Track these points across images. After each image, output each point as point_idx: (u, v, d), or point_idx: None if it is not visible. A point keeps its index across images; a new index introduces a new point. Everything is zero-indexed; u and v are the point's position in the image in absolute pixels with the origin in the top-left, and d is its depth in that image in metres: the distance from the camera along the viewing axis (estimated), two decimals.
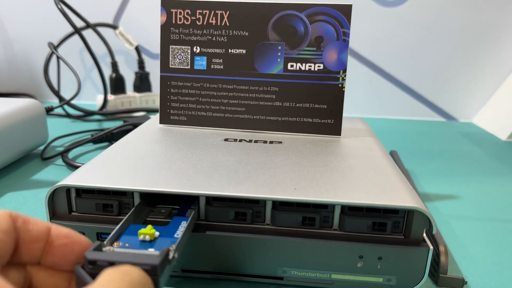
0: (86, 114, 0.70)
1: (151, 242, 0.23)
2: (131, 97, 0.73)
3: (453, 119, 0.80)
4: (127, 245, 0.23)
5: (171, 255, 0.21)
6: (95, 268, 0.20)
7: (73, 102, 0.78)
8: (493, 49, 0.74)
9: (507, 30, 0.72)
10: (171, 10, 0.39)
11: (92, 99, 0.84)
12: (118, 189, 0.27)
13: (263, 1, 0.38)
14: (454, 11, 0.73)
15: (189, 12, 0.38)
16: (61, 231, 0.21)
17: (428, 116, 0.80)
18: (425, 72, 0.77)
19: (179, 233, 0.24)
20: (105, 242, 0.22)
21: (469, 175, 0.50)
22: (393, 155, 0.48)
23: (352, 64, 0.77)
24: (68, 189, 0.28)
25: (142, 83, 0.75)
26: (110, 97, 0.72)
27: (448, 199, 0.43)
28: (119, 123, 0.66)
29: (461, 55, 0.75)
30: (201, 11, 0.38)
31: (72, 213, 0.29)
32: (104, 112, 0.69)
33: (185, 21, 0.39)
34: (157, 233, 0.23)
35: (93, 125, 0.68)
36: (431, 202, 0.42)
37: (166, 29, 0.39)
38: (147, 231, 0.23)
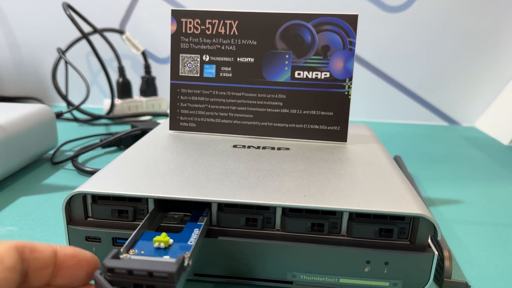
0: (93, 118, 0.71)
1: (165, 249, 0.24)
2: (137, 102, 0.75)
3: (456, 123, 0.80)
4: (142, 252, 0.23)
5: (186, 262, 0.22)
6: (113, 276, 0.21)
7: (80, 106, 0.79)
8: (496, 54, 0.75)
9: (509, 35, 0.73)
10: (181, 19, 0.40)
11: (99, 103, 0.85)
12: (133, 196, 0.28)
13: (271, 11, 0.39)
14: (456, 17, 0.74)
15: (199, 22, 0.39)
16: (67, 252, 0.22)
17: (430, 120, 0.81)
18: (427, 77, 0.78)
19: (192, 240, 0.25)
20: (121, 250, 0.23)
21: (472, 180, 0.51)
22: (397, 160, 0.49)
23: (355, 69, 0.78)
24: (84, 195, 0.29)
25: (149, 88, 0.76)
26: (117, 101, 0.73)
27: (452, 204, 0.44)
28: (126, 127, 0.67)
29: (463, 59, 0.76)
30: (210, 21, 0.39)
31: (88, 219, 0.30)
32: (111, 116, 0.70)
33: (195, 30, 0.40)
34: (171, 241, 0.24)
35: (101, 129, 0.69)
36: (435, 207, 0.43)
37: (176, 38, 0.40)
38: (162, 239, 0.24)
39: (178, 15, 0.40)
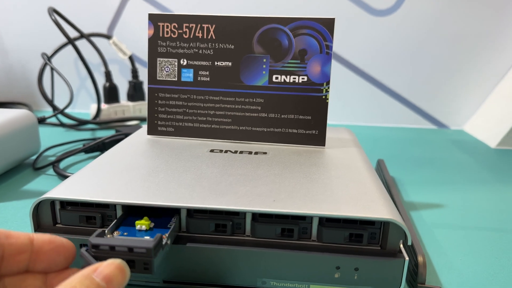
0: (79, 123, 0.70)
1: (146, 231, 0.26)
2: (124, 106, 0.74)
3: (445, 126, 0.80)
4: (125, 234, 0.25)
5: (164, 241, 0.24)
6: (98, 252, 0.23)
7: (67, 111, 0.79)
8: (484, 57, 0.75)
9: (497, 39, 0.73)
10: (158, 23, 0.39)
11: (87, 108, 0.85)
12: (100, 202, 0.27)
13: (248, 15, 0.38)
14: (444, 20, 0.74)
15: (176, 26, 0.39)
16: (44, 238, 0.23)
17: (419, 124, 0.80)
18: (416, 80, 0.78)
19: (172, 224, 0.27)
20: (106, 231, 0.25)
21: (456, 183, 0.51)
22: (380, 164, 0.49)
23: (342, 72, 0.78)
24: (52, 202, 0.29)
25: (136, 92, 0.76)
26: (104, 106, 0.72)
27: (434, 208, 0.44)
28: (112, 132, 0.67)
29: (452, 63, 0.76)
30: (187, 25, 0.39)
31: (57, 225, 0.29)
32: (98, 121, 0.70)
33: (172, 34, 0.39)
34: (152, 224, 0.26)
35: (87, 134, 0.68)
36: (416, 211, 0.43)
37: (153, 42, 0.40)
38: (143, 222, 0.26)
39: (155, 19, 0.40)
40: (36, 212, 0.28)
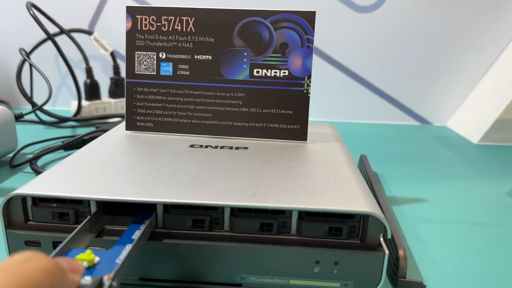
0: (59, 121, 0.69)
1: (89, 269, 0.21)
2: (106, 103, 0.73)
3: (428, 122, 0.81)
4: None
5: (107, 284, 0.20)
6: None
7: (48, 108, 0.78)
8: (466, 54, 0.75)
9: (479, 36, 0.74)
10: (137, 16, 0.39)
11: (68, 105, 0.84)
12: (73, 198, 0.26)
13: (228, 7, 0.38)
14: (427, 17, 0.74)
15: (155, 18, 0.38)
16: None
17: (403, 120, 0.81)
18: (399, 77, 0.78)
19: (121, 258, 0.22)
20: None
21: (438, 179, 0.51)
22: (362, 159, 0.49)
23: (325, 68, 0.78)
24: (24, 198, 0.28)
25: (118, 89, 0.74)
26: (85, 103, 0.71)
27: (416, 203, 0.44)
28: (92, 129, 0.65)
29: (435, 59, 0.76)
30: (166, 17, 0.38)
31: (29, 222, 0.28)
32: (78, 118, 0.68)
33: (150, 27, 0.39)
34: (96, 258, 0.22)
35: (67, 132, 0.67)
36: (398, 206, 0.43)
37: (131, 35, 0.39)
38: (86, 257, 0.22)
39: (133, 11, 0.39)
40: (7, 209, 0.27)
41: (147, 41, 0.39)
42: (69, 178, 0.29)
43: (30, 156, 0.54)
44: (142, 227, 0.26)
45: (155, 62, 0.39)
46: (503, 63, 0.72)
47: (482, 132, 0.67)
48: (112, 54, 0.73)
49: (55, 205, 0.28)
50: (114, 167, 0.31)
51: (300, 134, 0.39)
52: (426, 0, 0.73)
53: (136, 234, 0.25)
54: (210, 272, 0.27)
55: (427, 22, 0.74)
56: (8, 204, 0.27)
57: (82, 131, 0.66)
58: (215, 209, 0.27)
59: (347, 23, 0.75)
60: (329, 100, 0.80)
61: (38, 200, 0.28)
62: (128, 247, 0.23)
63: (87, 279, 0.20)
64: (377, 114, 0.81)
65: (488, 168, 0.56)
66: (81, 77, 0.74)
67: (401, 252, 0.29)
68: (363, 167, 0.46)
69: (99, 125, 0.64)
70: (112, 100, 0.74)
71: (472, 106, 0.75)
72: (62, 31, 0.69)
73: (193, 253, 0.27)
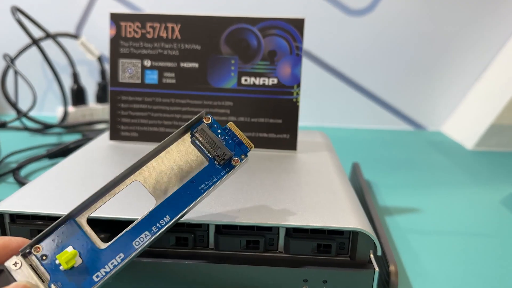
0: (45, 127, 0.67)
1: (66, 271, 0.21)
2: (92, 109, 0.71)
3: (422, 127, 0.80)
4: (44, 258, 0.21)
5: None
6: None
7: (34, 114, 0.76)
8: (460, 58, 0.75)
9: (473, 40, 0.74)
10: (121, 23, 0.37)
11: (55, 111, 0.82)
12: (52, 215, 0.25)
13: (215, 14, 0.37)
14: (420, 21, 0.73)
15: (139, 25, 0.37)
16: None
17: (396, 125, 0.80)
18: (392, 81, 0.78)
19: (99, 275, 0.21)
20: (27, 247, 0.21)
21: (432, 186, 0.50)
22: (355, 167, 0.48)
23: (317, 72, 0.77)
24: (1, 215, 0.27)
25: (105, 94, 0.73)
26: (71, 109, 0.70)
27: (409, 212, 0.43)
28: (78, 137, 0.64)
29: (428, 63, 0.76)
30: (151, 24, 0.37)
31: None
32: (65, 125, 0.67)
33: (135, 34, 0.37)
34: (79, 260, 0.21)
35: (52, 139, 0.65)
36: (391, 216, 0.42)
37: (115, 42, 0.38)
38: (66, 257, 0.21)
39: (117, 18, 0.37)
40: None
41: (131, 49, 0.38)
42: (49, 194, 0.28)
43: (13, 165, 0.53)
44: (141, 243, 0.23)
45: (140, 70, 0.38)
46: (497, 67, 0.72)
47: (477, 137, 0.66)
48: (100, 59, 0.72)
49: (39, 222, 0.27)
50: (95, 182, 0.30)
51: (290, 143, 0.38)
52: (419, 4, 0.72)
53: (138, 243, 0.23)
54: None
55: (421, 26, 0.74)
56: None
57: (68, 138, 0.65)
58: (199, 226, 0.26)
59: (340, 27, 0.74)
60: (321, 104, 0.79)
61: (16, 217, 0.27)
62: (118, 258, 0.22)
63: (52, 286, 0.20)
64: (370, 119, 0.80)
65: (482, 175, 0.55)
66: (68, 82, 0.73)
67: (392, 268, 0.28)
68: (355, 175, 0.46)
69: (85, 131, 0.63)
70: (99, 106, 0.72)
71: (467, 110, 0.74)
72: (48, 35, 0.68)
73: (176, 272, 0.26)
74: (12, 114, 0.83)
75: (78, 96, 0.70)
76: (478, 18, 0.72)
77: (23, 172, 0.50)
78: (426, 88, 0.77)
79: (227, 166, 0.24)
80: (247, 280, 0.25)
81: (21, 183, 0.46)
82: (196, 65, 0.37)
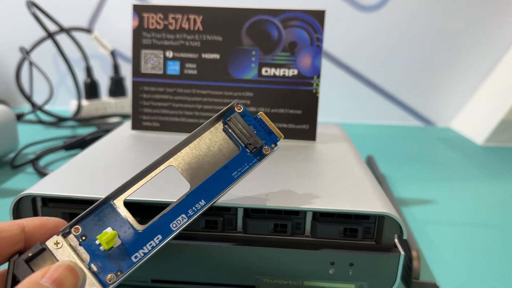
0: (59, 120, 0.68)
1: (105, 251, 0.22)
2: (105, 103, 0.72)
3: (431, 123, 0.81)
4: (83, 238, 0.22)
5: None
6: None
7: (47, 108, 0.77)
8: (470, 54, 0.75)
9: (483, 35, 0.74)
10: (143, 14, 0.38)
11: (66, 104, 0.83)
12: (84, 198, 0.26)
13: (237, 6, 0.37)
14: (431, 16, 0.74)
15: (162, 17, 0.38)
16: (35, 223, 0.22)
17: (406, 120, 0.81)
18: (403, 77, 0.78)
19: (138, 256, 0.22)
20: (67, 227, 0.22)
21: (444, 180, 0.51)
22: (370, 160, 0.48)
23: (329, 68, 0.78)
24: (33, 198, 0.27)
25: (117, 88, 0.74)
26: (84, 102, 0.70)
27: (424, 204, 0.44)
28: (93, 129, 0.65)
29: (439, 59, 0.76)
30: (173, 16, 0.38)
31: None
32: (78, 118, 0.68)
33: (157, 25, 0.38)
34: (118, 242, 0.22)
35: (67, 132, 0.66)
36: (407, 207, 0.42)
37: (138, 33, 0.38)
38: (107, 237, 0.21)
39: (140, 9, 0.38)
40: (17, 209, 0.27)
41: (153, 40, 0.38)
42: (79, 178, 0.28)
43: (31, 156, 0.53)
44: (178, 226, 0.23)
45: (162, 61, 0.39)
46: (507, 63, 0.72)
47: (487, 133, 0.67)
48: (113, 53, 0.73)
49: (70, 205, 0.27)
50: (122, 168, 0.30)
51: (309, 134, 0.39)
52: (430, 0, 0.73)
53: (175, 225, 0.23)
54: (223, 273, 0.27)
55: (431, 22, 0.74)
56: (18, 204, 0.27)
57: (81, 131, 0.66)
58: (228, 210, 0.27)
59: (351, 23, 0.75)
60: (331, 100, 0.79)
61: (48, 201, 0.27)
62: (156, 240, 0.22)
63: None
64: (380, 115, 0.80)
65: (493, 169, 0.56)
66: (80, 76, 0.73)
67: (414, 253, 0.29)
68: (371, 168, 0.46)
69: (99, 125, 0.64)
70: (112, 100, 0.73)
71: (476, 106, 0.75)
72: (62, 29, 0.68)
73: (205, 254, 0.26)
74: (25, 107, 0.84)
75: (92, 90, 0.71)
76: (488, 14, 0.73)
77: (41, 162, 0.51)
78: (436, 84, 0.78)
79: (258, 154, 0.24)
80: (274, 263, 0.26)
81: (40, 172, 0.47)
82: (217, 56, 0.38)
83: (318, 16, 0.37)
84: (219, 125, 0.25)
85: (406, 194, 0.46)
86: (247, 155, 0.24)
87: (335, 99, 0.80)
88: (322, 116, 0.80)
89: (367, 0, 0.74)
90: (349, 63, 0.78)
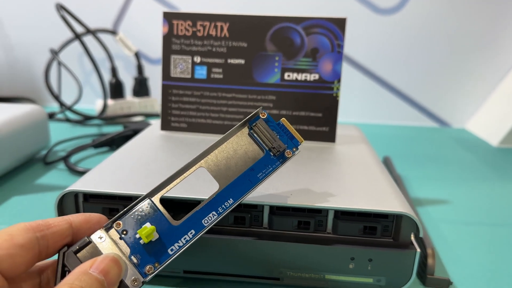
0: (85, 119, 0.71)
1: (145, 245, 0.24)
2: (130, 102, 0.75)
3: (446, 124, 0.81)
4: (124, 232, 0.24)
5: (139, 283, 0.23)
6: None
7: (72, 107, 0.80)
8: (486, 56, 0.76)
9: (499, 38, 0.75)
10: (173, 21, 0.40)
11: (91, 103, 0.86)
12: (123, 194, 0.28)
13: (261, 13, 0.39)
14: (448, 19, 0.75)
15: (190, 24, 0.40)
16: (80, 219, 0.24)
17: (421, 121, 0.82)
18: (419, 79, 0.79)
19: (174, 249, 0.24)
20: (109, 222, 0.24)
21: (460, 181, 0.52)
22: (386, 161, 0.50)
23: (347, 70, 0.79)
24: (76, 194, 0.30)
25: (141, 88, 0.76)
26: (110, 102, 0.73)
27: (439, 204, 0.45)
28: (118, 128, 0.67)
29: (455, 61, 0.77)
30: (201, 23, 0.40)
31: None
32: (104, 117, 0.71)
33: (186, 32, 0.40)
34: (156, 235, 0.24)
35: (93, 130, 0.69)
36: (423, 207, 0.44)
37: (168, 39, 0.41)
38: (146, 232, 0.23)
39: (169, 17, 0.40)
40: (61, 204, 0.29)
41: (182, 46, 0.40)
42: (117, 176, 0.31)
43: (61, 153, 0.56)
44: (209, 222, 0.25)
45: (190, 65, 0.41)
46: None
47: (502, 135, 0.67)
48: (136, 54, 0.75)
49: (110, 200, 0.30)
50: (157, 166, 0.33)
51: (329, 136, 0.40)
52: (446, 2, 0.74)
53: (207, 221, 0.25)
54: (250, 266, 0.29)
55: (447, 25, 0.75)
56: (62, 200, 0.29)
57: (107, 130, 0.68)
58: (255, 207, 0.29)
59: (368, 25, 0.76)
60: (348, 100, 0.81)
61: (89, 197, 0.30)
62: (190, 234, 0.25)
63: (132, 260, 0.23)
64: (396, 115, 0.82)
65: (508, 171, 0.57)
66: (105, 77, 0.76)
67: (429, 251, 0.31)
68: (388, 169, 0.48)
69: (125, 123, 0.66)
70: (136, 100, 0.75)
71: (492, 108, 0.76)
72: (88, 31, 0.71)
73: (234, 248, 0.28)
74: (52, 105, 0.87)
75: (117, 90, 0.74)
76: (504, 18, 0.73)
77: (71, 160, 0.54)
78: (452, 85, 0.79)
79: (281, 157, 0.26)
80: (298, 257, 0.28)
81: (71, 169, 0.50)
82: (242, 61, 0.40)
83: (340, 23, 0.38)
84: (245, 130, 0.27)
85: (422, 194, 0.47)
86: (271, 158, 0.26)
87: (354, 100, 0.81)
88: (341, 117, 0.81)
89: (385, 3, 0.75)
90: (367, 64, 0.79)
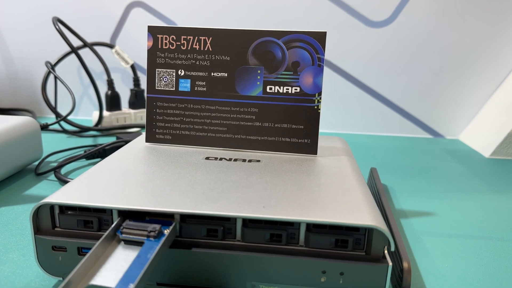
0: (81, 130, 0.72)
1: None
2: (126, 114, 0.76)
3: (440, 136, 0.81)
4: None
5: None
6: None
7: (70, 118, 0.81)
8: (478, 68, 0.76)
9: (491, 50, 0.75)
10: (157, 35, 0.41)
11: (89, 115, 0.87)
12: (96, 207, 0.29)
13: (243, 28, 0.40)
14: (439, 31, 0.75)
15: (174, 38, 0.41)
16: None
17: (415, 133, 0.82)
18: (412, 90, 0.79)
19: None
20: None
21: (448, 192, 0.52)
22: (372, 172, 0.50)
23: (338, 81, 0.80)
24: (52, 206, 0.30)
25: (137, 100, 0.77)
26: (106, 113, 0.74)
27: (424, 216, 0.45)
28: (113, 139, 0.68)
29: (447, 73, 0.77)
30: (185, 37, 0.41)
31: (56, 229, 0.30)
32: (99, 128, 0.71)
33: (170, 46, 0.41)
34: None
35: (88, 141, 0.70)
36: (407, 219, 0.44)
37: (152, 53, 0.41)
38: None
39: (154, 31, 0.41)
40: (36, 216, 0.30)
41: (167, 59, 0.41)
42: (93, 188, 0.31)
43: (54, 164, 0.57)
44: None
45: (174, 78, 0.41)
46: None
47: (494, 146, 0.67)
48: (133, 67, 0.76)
49: (85, 213, 0.30)
50: (135, 178, 0.33)
51: (311, 148, 0.41)
52: (438, 14, 0.74)
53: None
54: (223, 279, 0.29)
55: (439, 37, 0.75)
56: (37, 211, 0.30)
57: (103, 140, 0.69)
58: (228, 219, 0.29)
59: (360, 38, 0.77)
60: (341, 112, 0.81)
61: (65, 209, 0.30)
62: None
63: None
64: (390, 127, 0.82)
65: (498, 182, 0.56)
66: (102, 88, 0.77)
67: (405, 264, 0.31)
68: (373, 180, 0.48)
69: (119, 135, 0.67)
70: (132, 111, 0.76)
71: (485, 119, 0.75)
72: (85, 44, 0.73)
73: (207, 260, 0.28)
74: (50, 116, 0.89)
75: (113, 101, 0.75)
76: (497, 29, 0.74)
77: (62, 171, 0.55)
78: (445, 97, 0.79)
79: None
80: (270, 270, 0.28)
81: (61, 180, 0.50)
82: (225, 74, 0.41)
83: (320, 37, 0.39)
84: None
85: (407, 206, 0.47)
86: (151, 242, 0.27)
87: (344, 111, 0.81)
88: (331, 128, 0.82)
89: (376, 16, 0.76)
90: (358, 76, 0.79)
